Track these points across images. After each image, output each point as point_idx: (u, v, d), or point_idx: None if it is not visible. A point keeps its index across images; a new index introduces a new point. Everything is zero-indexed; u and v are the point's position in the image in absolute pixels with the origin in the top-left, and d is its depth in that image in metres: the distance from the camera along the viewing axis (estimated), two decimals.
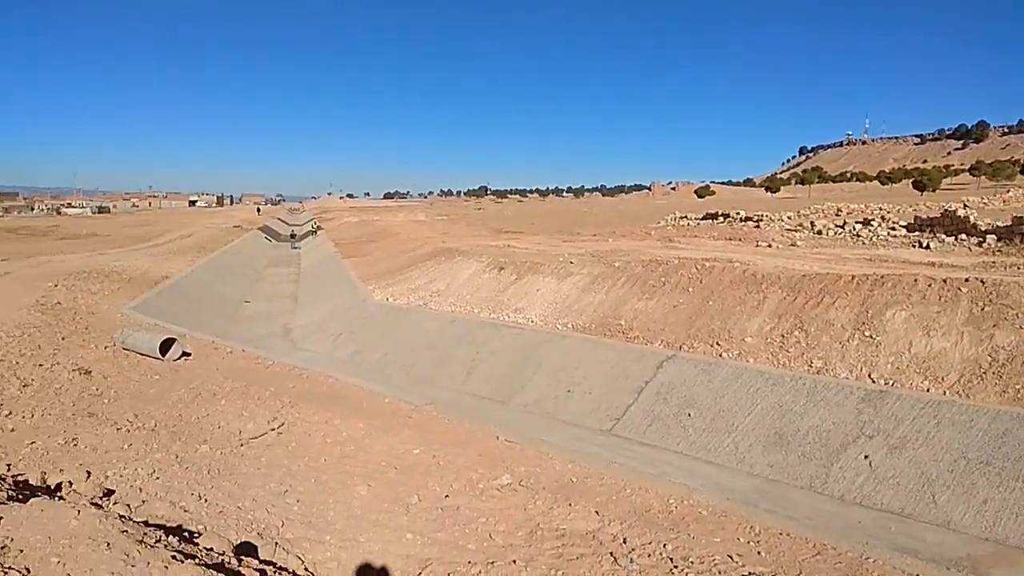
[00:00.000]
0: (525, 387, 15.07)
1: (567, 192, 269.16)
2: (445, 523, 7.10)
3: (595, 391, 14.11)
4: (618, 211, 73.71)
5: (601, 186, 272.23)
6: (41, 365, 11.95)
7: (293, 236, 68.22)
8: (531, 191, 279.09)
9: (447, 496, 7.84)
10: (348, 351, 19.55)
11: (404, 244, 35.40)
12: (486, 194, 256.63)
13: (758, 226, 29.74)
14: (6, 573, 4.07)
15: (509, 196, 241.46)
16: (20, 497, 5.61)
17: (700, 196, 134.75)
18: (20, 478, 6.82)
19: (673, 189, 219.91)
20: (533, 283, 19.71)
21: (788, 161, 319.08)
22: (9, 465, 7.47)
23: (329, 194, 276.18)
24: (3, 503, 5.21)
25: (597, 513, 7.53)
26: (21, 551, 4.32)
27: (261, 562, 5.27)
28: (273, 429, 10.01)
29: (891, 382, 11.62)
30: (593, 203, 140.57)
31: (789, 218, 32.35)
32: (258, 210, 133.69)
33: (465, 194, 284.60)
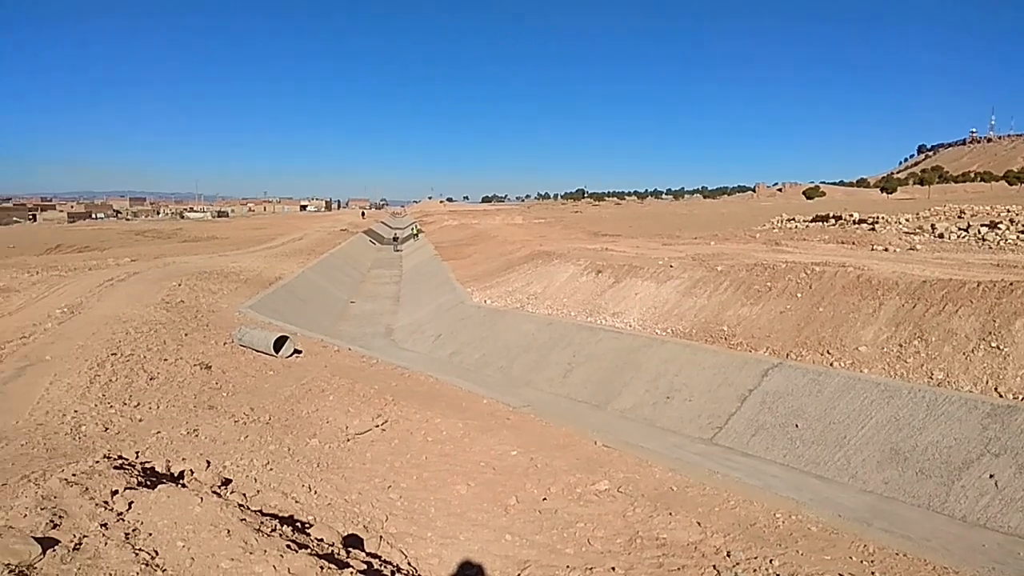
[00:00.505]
0: (622, 392, 14.87)
1: (666, 194, 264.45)
2: (543, 526, 7.09)
3: (695, 398, 13.76)
4: (720, 214, 71.67)
5: (702, 188, 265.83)
6: (166, 360, 12.82)
7: (395, 239, 70.48)
8: (629, 194, 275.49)
9: (545, 499, 7.84)
10: (447, 351, 19.93)
11: (502, 247, 35.77)
12: (583, 197, 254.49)
13: (873, 229, 28.17)
14: (137, 554, 4.38)
15: (606, 199, 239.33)
16: (148, 483, 6.03)
17: (809, 197, 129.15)
18: (147, 465, 7.33)
19: (779, 190, 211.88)
20: (631, 287, 19.44)
21: (905, 160, 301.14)
22: (137, 452, 8.05)
23: (430, 198, 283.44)
24: (133, 488, 5.62)
25: (699, 524, 7.33)
26: (150, 534, 4.64)
27: (367, 555, 5.44)
28: (377, 426, 10.29)
29: (1020, 397, 10.71)
30: (693, 205, 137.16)
31: (907, 220, 30.46)
32: (362, 214, 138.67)
33: (562, 197, 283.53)
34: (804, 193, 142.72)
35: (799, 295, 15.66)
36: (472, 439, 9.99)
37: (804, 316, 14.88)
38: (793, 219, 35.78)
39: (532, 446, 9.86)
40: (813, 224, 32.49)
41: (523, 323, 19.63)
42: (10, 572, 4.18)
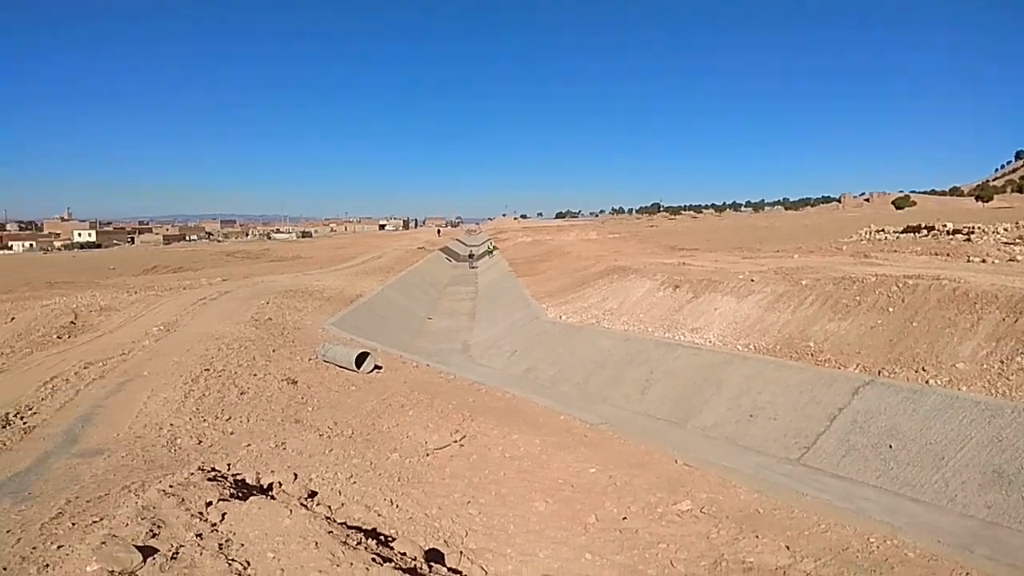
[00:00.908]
0: (703, 410, 14.51)
1: (745, 207, 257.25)
2: (624, 546, 6.98)
3: (780, 417, 13.27)
4: (803, 225, 69.34)
5: (783, 199, 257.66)
6: (255, 375, 13.34)
7: (471, 256, 71.64)
8: (706, 206, 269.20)
9: (625, 518, 7.72)
10: (523, 367, 19.97)
11: (576, 263, 35.70)
12: (658, 211, 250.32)
13: (969, 239, 26.67)
14: (230, 564, 4.55)
15: (683, 212, 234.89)
16: (240, 495, 6.27)
17: (898, 207, 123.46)
18: (239, 477, 7.62)
19: (866, 200, 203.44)
20: (711, 302, 19.02)
21: (1002, 167, 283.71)
22: (229, 465, 8.36)
23: (504, 215, 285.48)
24: (226, 500, 5.86)
25: (787, 548, 7.05)
26: (242, 545, 4.82)
27: (449, 570, 5.49)
28: (456, 441, 10.36)
29: None
30: (774, 217, 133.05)
31: (1006, 230, 28.70)
32: (438, 232, 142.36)
33: (636, 211, 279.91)
34: (893, 203, 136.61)
35: (891, 309, 14.96)
36: (550, 456, 9.95)
37: (896, 331, 14.20)
38: (882, 230, 34.27)
39: (610, 463, 9.74)
40: (904, 235, 31.02)
41: (599, 339, 19.47)
42: None
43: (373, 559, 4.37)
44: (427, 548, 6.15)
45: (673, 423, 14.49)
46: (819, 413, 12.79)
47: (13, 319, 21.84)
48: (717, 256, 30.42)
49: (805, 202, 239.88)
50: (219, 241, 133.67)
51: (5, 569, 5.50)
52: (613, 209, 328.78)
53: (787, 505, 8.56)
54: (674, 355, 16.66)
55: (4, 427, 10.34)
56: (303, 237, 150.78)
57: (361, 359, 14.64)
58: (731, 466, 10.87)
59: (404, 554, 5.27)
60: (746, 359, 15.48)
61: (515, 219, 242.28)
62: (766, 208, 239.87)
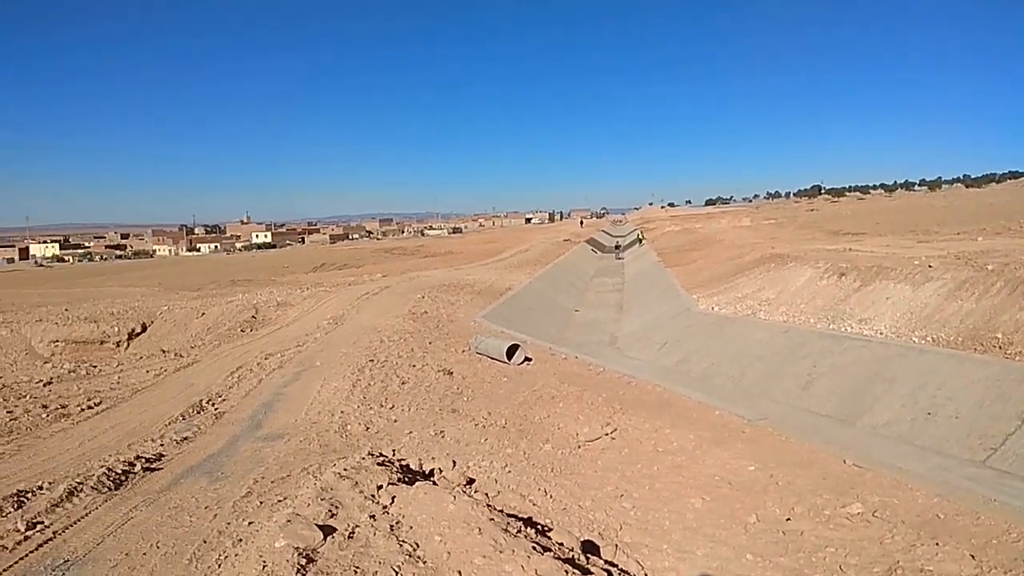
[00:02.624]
0: (873, 407, 13.55)
1: (919, 185, 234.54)
2: (788, 548, 6.68)
3: (963, 415, 12.11)
4: (987, 204, 62.37)
5: (964, 176, 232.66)
6: (414, 366, 14.01)
7: (617, 247, 70.74)
8: (874, 187, 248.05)
9: (788, 519, 7.37)
10: (673, 360, 19.54)
11: (728, 251, 34.39)
12: (819, 193, 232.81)
13: None
14: (401, 545, 4.85)
15: (847, 194, 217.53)
16: (406, 480, 6.65)
17: None
18: (403, 463, 8.08)
19: None
20: (881, 290, 17.66)
21: None
22: (394, 451, 8.88)
23: (650, 204, 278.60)
24: (395, 484, 6.23)
25: (972, 557, 6.43)
26: (411, 527, 5.12)
27: (605, 562, 5.52)
28: (607, 434, 10.33)
29: None
30: (954, 196, 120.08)
31: None
32: (581, 223, 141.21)
33: (795, 195, 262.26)
34: None
35: None
36: (704, 451, 9.68)
37: None
38: None
39: (771, 462, 9.32)
40: None
41: (755, 330, 18.66)
42: (299, 555, 4.85)
43: (533, 547, 4.49)
44: (582, 539, 6.21)
45: (839, 421, 13.66)
46: (1008, 411, 11.55)
47: (203, 314, 24.42)
48: (887, 241, 28.29)
49: (989, 178, 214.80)
50: (378, 239, 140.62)
51: (205, 542, 6.19)
52: (768, 193, 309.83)
53: (972, 511, 7.80)
54: (840, 347, 15.64)
55: (199, 412, 11.60)
56: (454, 233, 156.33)
57: (512, 351, 14.96)
58: (906, 468, 10.05)
59: (561, 544, 5.37)
60: (923, 352, 14.29)
61: (662, 208, 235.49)
62: (944, 187, 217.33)
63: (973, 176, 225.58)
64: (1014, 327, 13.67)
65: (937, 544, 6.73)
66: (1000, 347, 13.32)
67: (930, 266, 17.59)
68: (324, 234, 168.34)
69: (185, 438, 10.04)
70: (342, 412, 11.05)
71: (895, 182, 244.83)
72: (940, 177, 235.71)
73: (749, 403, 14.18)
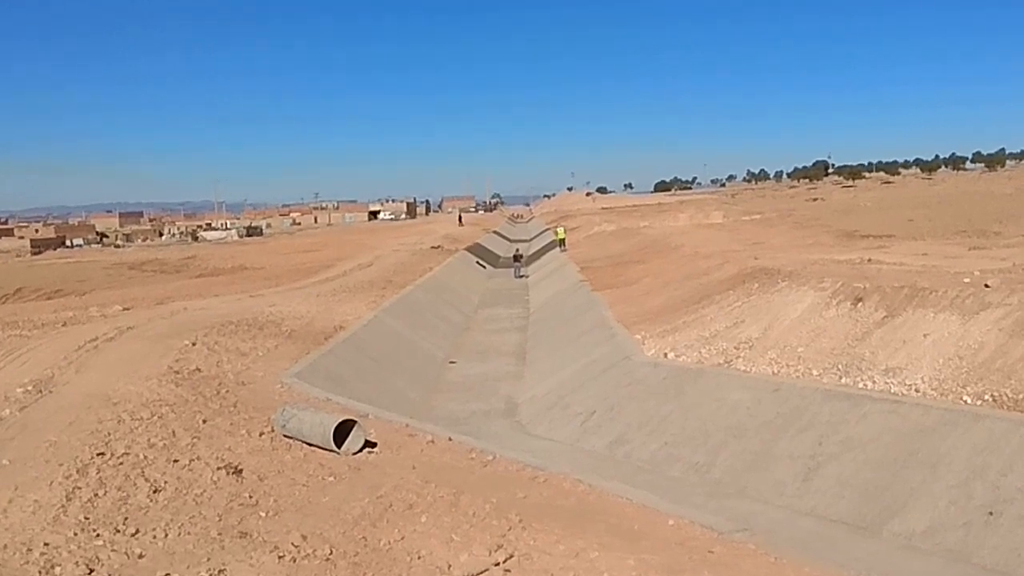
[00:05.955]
0: (907, 504, 10.81)
1: (972, 162, 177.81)
2: None
3: None
4: None
5: None
6: (177, 461, 10.29)
7: (517, 258, 52.67)
8: (906, 164, 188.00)
9: None
10: (606, 439, 15.80)
11: (690, 264, 28.37)
12: (826, 173, 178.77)
13: None
14: None
15: (867, 174, 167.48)
16: None
17: None
18: None
19: None
20: (916, 324, 14.42)
21: None
22: None
23: (570, 189, 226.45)
24: None
25: None
26: None
27: None
28: (497, 564, 7.75)
29: None
30: (1021, 178, 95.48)
31: None
32: (460, 219, 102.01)
33: (789, 176, 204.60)
34: None
35: None
36: None
37: None
38: None
39: None
40: None
41: (731, 389, 15.10)
42: None
43: None
44: None
45: (859, 528, 10.88)
46: None
47: None
48: (925, 246, 24.44)
49: None
50: (118, 246, 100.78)
51: None
52: (750, 174, 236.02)
53: None
54: (859, 413, 12.58)
55: None
56: (249, 235, 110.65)
57: (343, 432, 11.09)
58: None
59: None
60: (979, 417, 11.59)
61: (588, 195, 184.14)
62: (1008, 164, 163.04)
63: None
64: None
65: None
66: None
67: (987, 285, 14.66)
68: (21, 238, 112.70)
69: None
70: (46, 544, 7.61)
71: (937, 157, 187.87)
72: (1003, 149, 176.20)
73: (722, 504, 11.38)
